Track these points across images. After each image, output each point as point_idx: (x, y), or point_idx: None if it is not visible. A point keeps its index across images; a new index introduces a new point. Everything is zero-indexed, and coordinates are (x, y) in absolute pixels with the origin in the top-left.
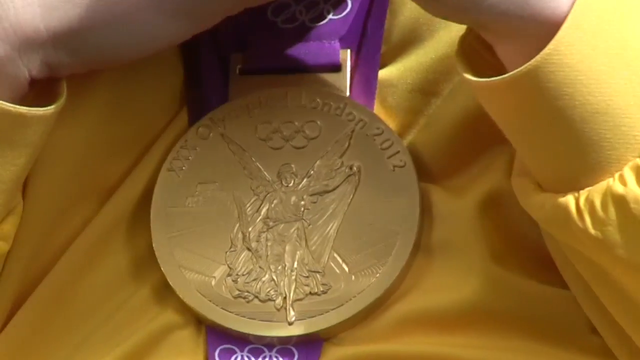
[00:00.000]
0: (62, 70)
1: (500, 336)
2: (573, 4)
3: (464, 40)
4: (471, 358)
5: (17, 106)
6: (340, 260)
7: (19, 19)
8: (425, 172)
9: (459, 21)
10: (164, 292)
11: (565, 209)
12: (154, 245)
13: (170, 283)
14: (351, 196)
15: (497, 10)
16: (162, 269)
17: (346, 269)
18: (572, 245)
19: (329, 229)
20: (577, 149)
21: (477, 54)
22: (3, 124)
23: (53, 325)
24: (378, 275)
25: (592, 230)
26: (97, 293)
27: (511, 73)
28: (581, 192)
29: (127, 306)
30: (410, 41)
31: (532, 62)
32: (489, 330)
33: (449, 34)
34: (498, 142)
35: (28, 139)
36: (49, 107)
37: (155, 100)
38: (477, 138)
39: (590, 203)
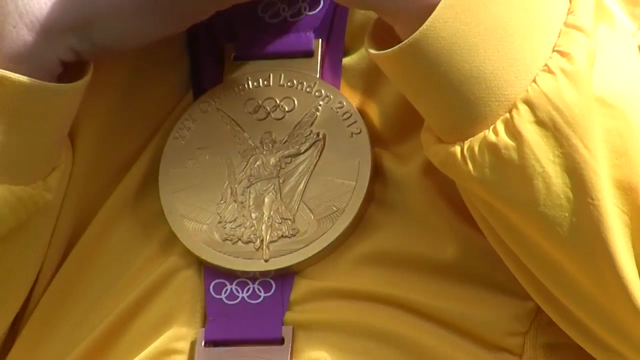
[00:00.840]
0: (85, 55)
1: (447, 284)
2: None
3: (376, 22)
4: (415, 300)
5: (45, 82)
6: (307, 210)
7: (43, 13)
8: (377, 139)
9: (361, 8)
10: (171, 242)
11: (453, 155)
12: (161, 199)
13: (174, 230)
14: (317, 158)
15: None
16: (167, 218)
17: (312, 216)
18: (467, 188)
19: (299, 184)
20: (459, 107)
21: (389, 33)
22: (36, 97)
23: (82, 279)
24: (337, 221)
25: (473, 172)
26: (116, 250)
27: (397, 46)
28: (465, 142)
29: (140, 257)
30: (363, 34)
31: (413, 36)
32: (438, 279)
33: None
34: None
35: (58, 110)
36: (74, 83)
37: (165, 84)
38: (418, 113)
39: (471, 150)
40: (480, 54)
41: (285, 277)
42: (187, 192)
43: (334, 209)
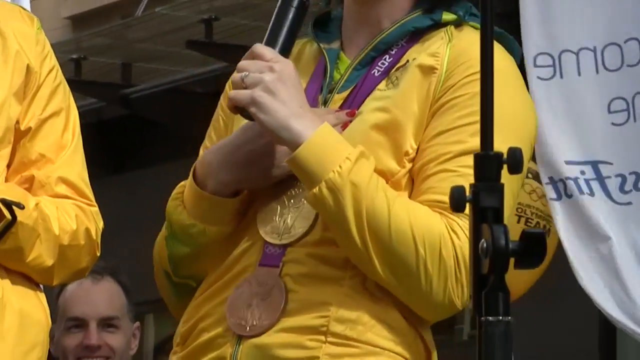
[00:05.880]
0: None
1: (335, 249)
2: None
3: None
4: (327, 254)
5: (226, 198)
6: (298, 225)
7: (227, 179)
8: None
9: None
10: (257, 234)
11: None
12: (257, 219)
13: (260, 232)
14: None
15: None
16: (258, 228)
17: (298, 226)
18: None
19: (295, 218)
20: (312, 181)
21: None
22: (226, 204)
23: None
24: (303, 228)
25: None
26: (238, 236)
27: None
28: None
29: (243, 236)
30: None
31: (292, 155)
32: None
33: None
34: None
35: (234, 206)
36: (236, 198)
37: None
38: None
39: (314, 194)
40: (317, 160)
41: (286, 246)
42: (264, 215)
43: (305, 224)
